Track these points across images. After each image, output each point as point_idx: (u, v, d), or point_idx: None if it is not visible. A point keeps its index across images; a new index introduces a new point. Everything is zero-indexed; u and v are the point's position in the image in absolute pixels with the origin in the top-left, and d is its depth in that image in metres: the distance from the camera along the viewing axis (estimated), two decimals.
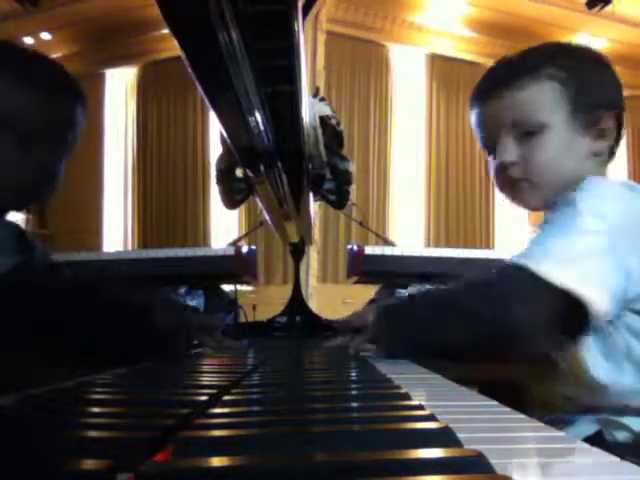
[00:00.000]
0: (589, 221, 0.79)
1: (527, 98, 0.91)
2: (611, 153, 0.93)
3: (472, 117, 1.00)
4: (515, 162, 0.92)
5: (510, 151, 0.92)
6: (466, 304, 0.82)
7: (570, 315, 0.76)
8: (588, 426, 0.81)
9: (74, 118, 1.08)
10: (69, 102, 1.06)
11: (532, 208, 0.97)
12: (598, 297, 0.75)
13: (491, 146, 0.96)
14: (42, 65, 1.03)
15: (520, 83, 0.91)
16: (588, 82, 0.90)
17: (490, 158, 0.98)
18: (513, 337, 0.78)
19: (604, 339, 0.81)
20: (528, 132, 0.91)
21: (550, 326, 0.78)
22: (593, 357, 0.82)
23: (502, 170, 0.93)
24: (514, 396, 0.73)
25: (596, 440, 0.76)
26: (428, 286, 1.32)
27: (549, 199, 0.92)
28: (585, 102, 0.89)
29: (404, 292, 2.01)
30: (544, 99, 0.90)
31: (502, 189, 0.98)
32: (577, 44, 0.99)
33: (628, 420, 0.79)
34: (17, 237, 1.03)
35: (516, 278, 0.80)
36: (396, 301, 0.96)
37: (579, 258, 0.77)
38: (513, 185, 0.94)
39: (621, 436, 0.78)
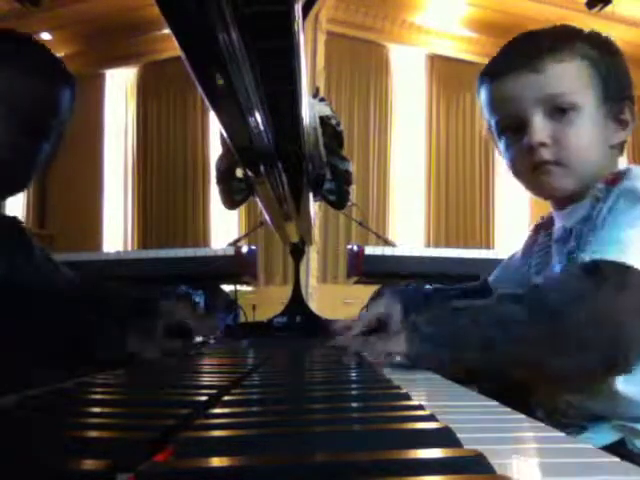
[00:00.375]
0: None
1: (563, 73, 0.86)
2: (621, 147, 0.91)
3: (486, 94, 0.93)
4: (547, 143, 0.86)
5: (542, 131, 0.85)
6: (568, 320, 0.69)
7: None
8: (606, 434, 0.76)
9: (56, 101, 1.00)
10: (49, 83, 0.99)
11: (560, 193, 0.90)
12: None
13: (512, 126, 0.89)
14: (21, 43, 0.98)
15: (557, 57, 0.85)
16: (616, 69, 0.87)
17: (502, 142, 0.93)
18: (629, 352, 0.69)
19: None
20: (560, 110, 0.85)
21: None
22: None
23: (529, 151, 0.86)
24: (515, 397, 0.71)
25: (618, 449, 0.71)
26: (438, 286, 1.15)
27: (578, 185, 0.87)
28: (614, 89, 0.86)
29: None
30: (580, 77, 0.86)
31: (524, 173, 0.91)
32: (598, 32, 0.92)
33: None
34: (16, 233, 1.02)
35: (623, 280, 0.69)
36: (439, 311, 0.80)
37: None
38: (540, 168, 0.87)
39: None
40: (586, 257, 0.74)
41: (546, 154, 0.86)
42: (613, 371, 0.74)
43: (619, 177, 0.83)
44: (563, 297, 0.71)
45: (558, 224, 0.94)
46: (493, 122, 0.94)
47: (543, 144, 0.85)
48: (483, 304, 0.77)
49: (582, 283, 0.72)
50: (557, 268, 0.87)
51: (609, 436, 0.76)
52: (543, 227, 1.01)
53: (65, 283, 1.06)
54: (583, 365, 0.71)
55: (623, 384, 0.76)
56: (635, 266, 0.69)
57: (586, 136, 0.86)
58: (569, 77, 0.86)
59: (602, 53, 0.87)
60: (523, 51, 0.88)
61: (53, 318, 0.79)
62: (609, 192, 0.81)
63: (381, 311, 0.86)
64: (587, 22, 5.34)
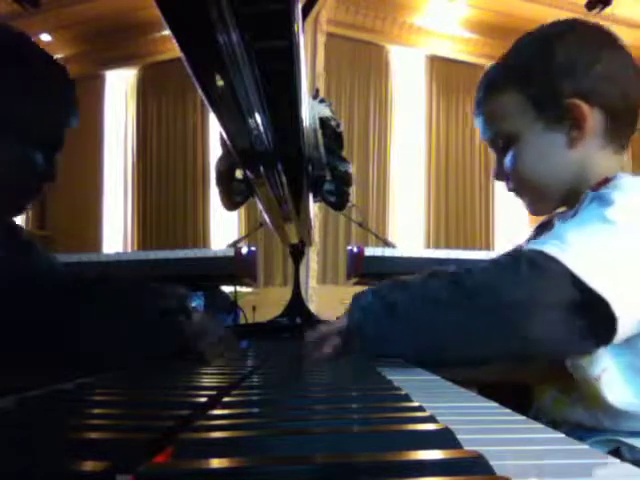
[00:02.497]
0: (626, 222, 0.72)
1: (494, 111, 0.90)
2: (612, 144, 0.86)
3: None
4: (501, 179, 0.91)
5: (497, 167, 0.92)
6: (483, 296, 0.71)
7: (596, 317, 0.69)
8: (602, 446, 0.75)
9: (47, 103, 0.95)
10: (38, 84, 0.93)
11: (538, 215, 0.94)
12: (625, 303, 0.68)
13: None
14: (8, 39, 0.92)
15: (488, 98, 0.90)
16: (546, 75, 0.84)
17: None
18: (542, 337, 0.70)
19: (631, 357, 0.75)
20: (503, 147, 0.89)
21: (574, 327, 0.69)
22: (614, 380, 0.75)
23: None
24: (515, 399, 0.70)
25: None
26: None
27: (552, 202, 0.89)
28: (546, 95, 0.84)
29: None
30: (506, 109, 0.88)
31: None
32: (552, 27, 0.92)
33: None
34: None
35: (547, 270, 0.69)
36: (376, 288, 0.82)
37: (608, 257, 0.70)
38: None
39: (639, 455, 0.74)
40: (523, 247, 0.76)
41: (508, 187, 0.92)
42: (524, 358, 0.75)
43: (603, 184, 0.82)
44: (481, 279, 0.72)
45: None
46: None
47: (500, 179, 0.92)
48: (415, 279, 0.77)
49: (501, 263, 0.74)
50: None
51: (605, 448, 0.75)
52: (547, 226, 1.00)
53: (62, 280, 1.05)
54: (489, 350, 0.73)
55: (610, 395, 0.76)
56: (562, 260, 0.69)
57: (530, 162, 0.87)
58: (499, 114, 0.89)
59: (525, 71, 0.87)
60: (476, 94, 0.94)
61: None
62: (588, 199, 0.81)
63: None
64: None
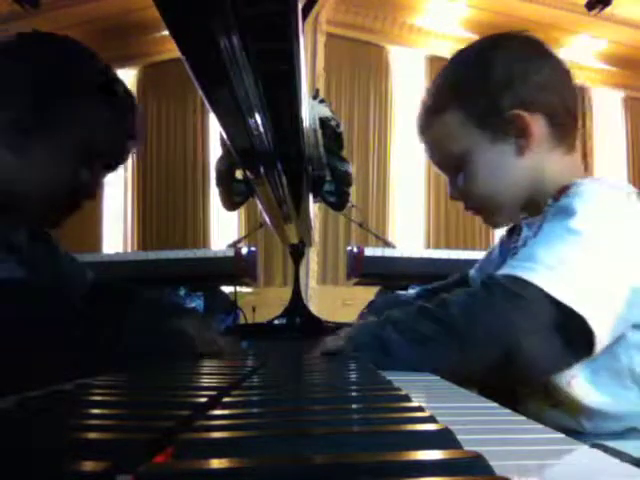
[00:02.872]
0: (591, 230, 0.73)
1: (436, 136, 0.91)
2: (560, 147, 0.87)
3: None
4: (456, 198, 0.93)
5: (450, 189, 0.94)
6: (466, 327, 0.72)
7: (574, 334, 0.70)
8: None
9: (111, 128, 0.98)
10: (106, 110, 0.96)
11: (499, 227, 0.98)
12: (601, 317, 0.69)
13: None
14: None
15: (428, 121, 0.91)
16: (484, 90, 0.85)
17: None
18: (518, 359, 0.70)
19: (605, 360, 0.75)
20: (455, 166, 0.90)
21: (556, 346, 0.71)
22: (584, 384, 0.76)
23: None
24: (512, 401, 0.70)
25: None
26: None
27: (510, 216, 0.91)
28: (488, 110, 0.85)
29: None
30: (449, 129, 0.88)
31: None
32: (481, 43, 0.92)
33: (625, 445, 0.76)
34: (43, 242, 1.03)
35: (524, 297, 0.70)
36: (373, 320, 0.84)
37: (580, 272, 0.71)
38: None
39: (622, 458, 0.75)
40: (494, 273, 0.76)
41: (465, 206, 0.95)
42: (513, 380, 0.77)
43: (564, 192, 0.83)
44: (463, 315, 0.72)
45: (528, 232, 0.93)
46: None
47: (455, 199, 0.94)
48: (405, 316, 0.78)
49: (479, 297, 0.73)
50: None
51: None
52: (516, 230, 1.00)
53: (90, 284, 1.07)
54: (480, 378, 0.74)
55: (585, 398, 0.77)
56: (536, 283, 0.70)
57: (483, 176, 0.88)
58: (443, 135, 0.89)
59: (460, 90, 0.87)
60: (419, 118, 0.95)
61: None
62: (553, 209, 0.82)
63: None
64: (587, 24, 5.35)
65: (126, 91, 1.01)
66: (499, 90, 0.85)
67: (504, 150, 0.86)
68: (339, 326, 1.24)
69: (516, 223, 1.00)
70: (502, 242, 1.06)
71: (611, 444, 0.75)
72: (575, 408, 0.78)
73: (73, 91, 0.92)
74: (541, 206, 0.87)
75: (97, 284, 1.09)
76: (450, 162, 0.91)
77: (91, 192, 1.01)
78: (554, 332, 0.70)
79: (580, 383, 0.77)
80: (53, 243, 1.06)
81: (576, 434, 0.78)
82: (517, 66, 0.86)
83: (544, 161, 0.87)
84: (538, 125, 0.85)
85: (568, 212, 0.76)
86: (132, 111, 1.01)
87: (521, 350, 0.69)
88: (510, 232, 1.03)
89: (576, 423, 0.79)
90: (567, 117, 0.88)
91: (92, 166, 0.97)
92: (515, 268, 0.73)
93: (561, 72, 0.89)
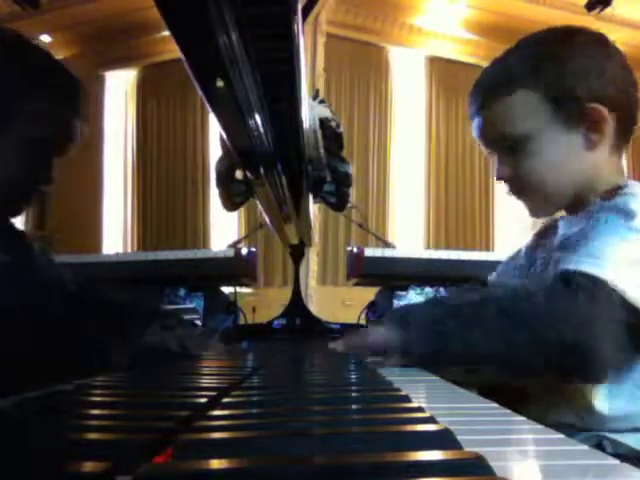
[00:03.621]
0: None
1: (503, 111, 0.87)
2: (618, 148, 0.88)
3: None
4: (506, 179, 0.89)
5: (500, 169, 0.89)
6: (545, 318, 0.71)
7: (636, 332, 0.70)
8: (584, 442, 0.76)
9: (49, 107, 0.97)
10: (41, 87, 0.95)
11: (539, 217, 0.94)
12: None
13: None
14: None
15: (494, 95, 0.87)
16: (561, 76, 0.84)
17: None
18: (589, 355, 0.69)
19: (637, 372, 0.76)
20: (512, 146, 0.87)
21: (623, 345, 0.70)
22: (609, 392, 0.76)
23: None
24: (514, 399, 0.70)
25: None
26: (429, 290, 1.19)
27: (557, 206, 0.89)
28: (565, 98, 0.84)
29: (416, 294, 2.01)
30: (523, 108, 0.86)
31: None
32: (558, 31, 0.91)
33: (625, 437, 0.76)
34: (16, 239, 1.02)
35: (593, 291, 0.70)
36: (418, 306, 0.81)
37: None
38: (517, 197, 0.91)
39: (622, 451, 0.73)
40: (565, 268, 0.75)
41: (510, 189, 0.90)
42: (581, 377, 0.76)
43: (615, 192, 0.83)
44: (536, 306, 0.71)
45: (566, 230, 0.93)
46: None
47: (502, 180, 0.90)
48: (466, 302, 0.77)
49: (555, 293, 0.72)
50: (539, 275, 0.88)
51: (587, 443, 0.75)
52: (550, 230, 1.00)
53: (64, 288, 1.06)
54: (552, 372, 0.73)
55: (603, 401, 0.77)
56: (607, 281, 0.70)
57: (543, 163, 0.86)
58: (510, 113, 0.87)
59: (540, 71, 0.85)
60: (472, 95, 0.91)
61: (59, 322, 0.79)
62: (602, 207, 0.81)
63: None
64: (586, 24, 5.34)
65: (67, 74, 1.00)
66: (577, 79, 0.84)
67: (573, 140, 0.85)
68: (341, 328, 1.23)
69: (552, 220, 0.99)
70: (529, 247, 1.04)
71: (610, 436, 0.75)
72: (585, 408, 0.78)
73: (14, 80, 0.91)
74: (583, 204, 0.86)
75: (78, 295, 1.07)
76: (507, 142, 0.87)
77: (46, 177, 1.01)
78: (623, 331, 0.70)
79: (605, 390, 0.77)
80: (27, 242, 1.05)
81: (573, 428, 0.78)
82: (594, 60, 0.85)
83: (604, 161, 0.86)
84: (610, 122, 0.84)
85: (627, 212, 0.76)
86: (76, 92, 1.01)
87: (595, 349, 0.69)
88: (540, 235, 1.02)
89: (580, 420, 0.78)
90: (630, 119, 0.87)
91: (43, 151, 0.97)
92: (580, 264, 0.73)
93: (629, 74, 0.88)
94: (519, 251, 1.08)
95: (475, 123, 0.92)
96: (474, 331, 0.72)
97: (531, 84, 0.85)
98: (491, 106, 0.88)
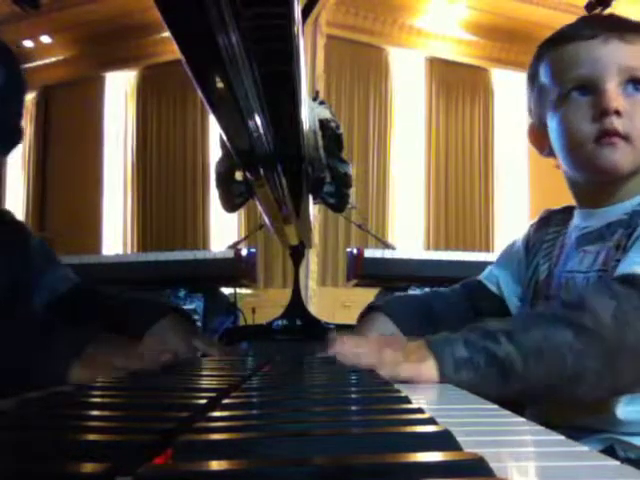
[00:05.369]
0: None
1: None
2: None
3: (558, 56, 0.87)
4: (621, 111, 0.81)
5: (618, 99, 0.81)
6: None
7: None
8: (595, 443, 0.75)
9: None
10: None
11: (616, 170, 0.84)
12: None
13: (582, 90, 0.84)
14: None
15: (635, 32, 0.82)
16: None
17: (560, 112, 0.86)
18: None
19: None
20: (636, 85, 0.82)
21: None
22: (631, 399, 0.75)
23: (599, 118, 0.81)
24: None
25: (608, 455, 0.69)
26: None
27: (635, 167, 0.83)
28: None
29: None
30: None
31: (584, 143, 0.83)
32: None
33: (638, 441, 0.74)
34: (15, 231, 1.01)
35: None
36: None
37: None
38: (605, 138, 0.82)
39: (632, 454, 0.74)
40: (627, 270, 0.72)
41: (617, 124, 0.81)
42: None
43: None
44: (608, 316, 0.67)
45: (581, 223, 0.90)
46: (557, 89, 0.87)
47: (617, 112, 0.81)
48: (521, 326, 0.70)
49: (631, 302, 0.69)
50: (591, 279, 0.83)
51: (598, 445, 0.75)
52: (552, 223, 0.98)
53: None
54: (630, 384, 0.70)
55: (621, 404, 0.76)
56: None
57: None
58: None
59: None
60: (614, 21, 0.86)
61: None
62: None
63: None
64: None
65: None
66: None
67: None
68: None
69: (548, 212, 0.98)
70: (528, 240, 1.01)
71: (622, 439, 0.75)
72: (603, 412, 0.76)
73: None
74: (621, 197, 0.85)
75: (78, 288, 1.06)
76: (637, 75, 0.82)
77: None
78: None
79: (628, 398, 0.76)
80: (26, 233, 1.04)
81: (585, 429, 0.78)
82: None
83: None
84: None
85: None
86: (17, 91, 0.96)
87: None
88: (540, 227, 1.00)
89: (593, 422, 0.78)
90: None
91: None
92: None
93: None
94: (512, 245, 1.06)
95: (599, 45, 0.83)
96: (554, 360, 0.66)
97: None
98: (637, 39, 0.83)
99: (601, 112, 0.81)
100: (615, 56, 0.82)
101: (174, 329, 0.93)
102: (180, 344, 0.89)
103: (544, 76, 0.89)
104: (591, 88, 0.83)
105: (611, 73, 0.82)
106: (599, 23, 0.87)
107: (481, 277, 1.08)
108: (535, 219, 1.04)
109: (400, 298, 1.34)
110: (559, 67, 0.86)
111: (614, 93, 0.81)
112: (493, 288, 1.04)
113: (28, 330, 0.79)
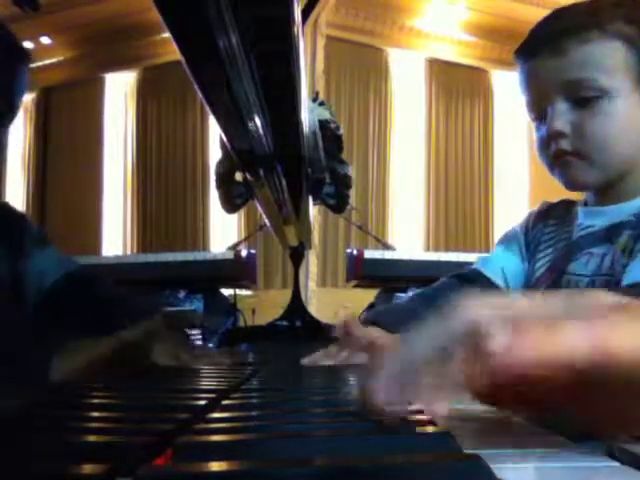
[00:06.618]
0: None
1: (589, 56, 0.77)
2: None
3: (519, 75, 0.86)
4: (566, 133, 0.79)
5: (562, 119, 0.79)
6: None
7: None
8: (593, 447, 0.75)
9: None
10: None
11: (580, 187, 0.83)
12: None
13: (538, 112, 0.83)
14: None
15: (583, 37, 0.77)
16: None
17: (534, 127, 0.85)
18: None
19: None
20: (584, 98, 0.78)
21: None
22: None
23: (549, 141, 0.80)
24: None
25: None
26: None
27: (603, 179, 0.81)
28: None
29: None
30: (610, 59, 0.77)
31: (545, 164, 0.83)
32: None
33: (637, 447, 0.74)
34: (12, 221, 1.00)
35: None
36: None
37: None
38: (559, 159, 0.80)
39: (629, 457, 0.73)
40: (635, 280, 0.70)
41: (564, 144, 0.79)
42: None
43: None
44: None
45: (585, 222, 0.88)
46: (524, 105, 0.87)
47: (560, 134, 0.79)
48: None
49: None
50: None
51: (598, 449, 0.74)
52: (551, 216, 0.96)
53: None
54: None
55: None
56: None
57: (614, 125, 0.78)
58: (596, 60, 0.78)
59: (634, 22, 0.77)
60: (549, 30, 0.81)
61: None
62: None
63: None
64: None
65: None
66: None
67: None
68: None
69: (545, 205, 0.95)
70: (527, 234, 0.98)
71: (620, 444, 0.74)
72: None
73: None
74: (613, 187, 0.82)
75: (77, 275, 1.03)
76: (583, 91, 0.78)
77: None
78: None
79: None
80: (25, 223, 1.03)
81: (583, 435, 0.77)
82: None
83: None
84: None
85: None
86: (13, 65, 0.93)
87: None
88: (538, 220, 0.98)
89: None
90: None
91: None
92: None
93: None
94: (512, 233, 1.02)
95: (536, 65, 0.81)
96: None
97: (629, 38, 0.77)
98: (573, 47, 0.78)
99: (548, 135, 0.80)
100: (553, 74, 0.79)
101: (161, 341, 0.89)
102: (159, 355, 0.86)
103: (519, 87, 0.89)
104: (542, 111, 0.81)
105: (553, 94, 0.79)
106: (537, 36, 0.83)
107: (483, 270, 1.01)
108: (534, 209, 1.01)
109: (392, 308, 1.24)
110: (520, 87, 0.86)
111: (557, 114, 0.79)
112: (499, 282, 0.98)
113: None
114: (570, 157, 0.80)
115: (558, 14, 0.82)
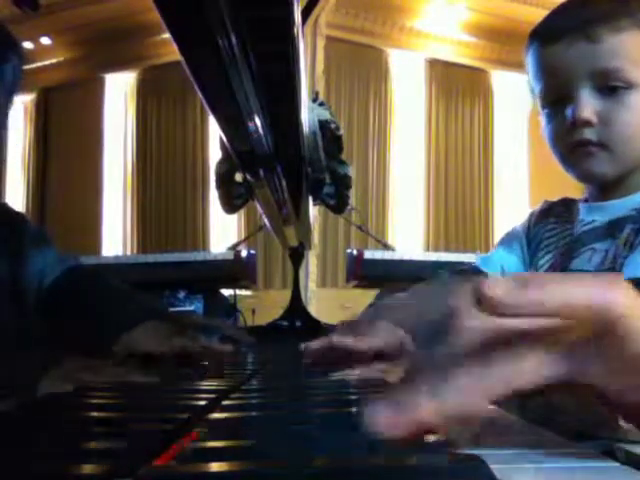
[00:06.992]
0: None
1: (620, 46, 0.75)
2: None
3: (533, 59, 0.83)
4: (593, 122, 0.77)
5: (588, 108, 0.76)
6: None
7: None
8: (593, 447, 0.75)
9: None
10: None
11: (598, 179, 0.81)
12: None
13: (556, 99, 0.80)
14: None
15: (615, 26, 0.75)
16: None
17: (544, 116, 0.83)
18: None
19: None
20: (612, 87, 0.76)
21: None
22: None
23: (571, 129, 0.78)
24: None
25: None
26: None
27: (621, 172, 0.80)
28: None
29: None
30: (638, 50, 0.75)
31: (562, 153, 0.81)
32: None
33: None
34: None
35: None
36: None
37: None
38: (580, 149, 0.78)
39: (632, 458, 0.74)
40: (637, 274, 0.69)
41: (589, 134, 0.77)
42: None
43: None
44: None
45: (587, 217, 0.87)
46: (537, 91, 0.83)
47: (587, 122, 0.76)
48: None
49: None
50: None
51: (598, 449, 0.74)
52: (552, 214, 0.95)
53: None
54: None
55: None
56: None
57: (639, 118, 0.77)
58: (626, 50, 0.76)
59: None
60: (577, 15, 0.78)
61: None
62: None
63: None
64: None
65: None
66: None
67: None
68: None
69: (548, 204, 0.94)
70: (528, 232, 0.97)
71: (621, 445, 0.74)
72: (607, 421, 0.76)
73: None
74: (629, 188, 0.82)
75: (78, 270, 1.02)
76: (613, 81, 0.76)
77: None
78: None
79: None
80: (20, 219, 1.02)
81: (584, 434, 0.77)
82: None
83: None
84: None
85: None
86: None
87: None
88: (538, 219, 0.97)
89: (594, 429, 0.77)
90: None
91: None
92: None
93: None
94: (513, 232, 1.02)
95: (561, 50, 0.78)
96: None
97: None
98: (605, 35, 0.76)
99: (572, 124, 0.77)
100: (582, 60, 0.77)
101: (155, 331, 0.88)
102: (157, 344, 0.86)
103: (530, 73, 0.85)
104: (564, 98, 0.79)
105: (580, 80, 0.77)
106: (563, 21, 0.80)
107: (482, 268, 1.00)
108: (535, 208, 1.01)
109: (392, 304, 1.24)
110: (536, 72, 0.83)
111: (585, 102, 0.76)
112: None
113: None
114: (593, 147, 0.78)
115: (584, 0, 0.79)
